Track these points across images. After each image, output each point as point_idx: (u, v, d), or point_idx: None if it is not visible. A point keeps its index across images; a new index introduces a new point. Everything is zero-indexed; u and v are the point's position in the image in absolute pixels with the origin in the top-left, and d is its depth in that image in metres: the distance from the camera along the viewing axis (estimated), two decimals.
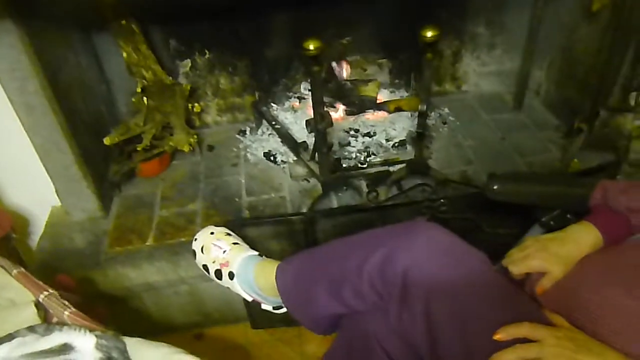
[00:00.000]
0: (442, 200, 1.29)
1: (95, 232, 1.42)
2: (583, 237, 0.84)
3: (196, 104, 1.68)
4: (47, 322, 0.92)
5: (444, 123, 1.74)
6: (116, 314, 1.34)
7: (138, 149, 1.52)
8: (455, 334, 0.72)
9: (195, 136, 1.58)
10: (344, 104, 1.66)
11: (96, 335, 0.83)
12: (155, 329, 1.45)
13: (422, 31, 1.14)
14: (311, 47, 1.10)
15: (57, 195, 1.41)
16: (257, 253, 1.12)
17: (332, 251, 0.92)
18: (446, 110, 1.80)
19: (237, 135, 1.75)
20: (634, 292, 0.71)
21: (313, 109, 1.23)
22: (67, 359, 0.79)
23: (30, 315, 0.91)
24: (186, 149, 1.55)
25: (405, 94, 1.79)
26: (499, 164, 1.53)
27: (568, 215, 0.99)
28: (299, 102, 1.76)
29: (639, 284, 0.73)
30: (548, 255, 0.81)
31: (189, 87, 1.61)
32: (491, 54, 1.81)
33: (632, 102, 1.38)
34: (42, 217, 1.50)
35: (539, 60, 1.74)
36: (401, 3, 1.61)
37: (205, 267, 1.16)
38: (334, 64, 1.67)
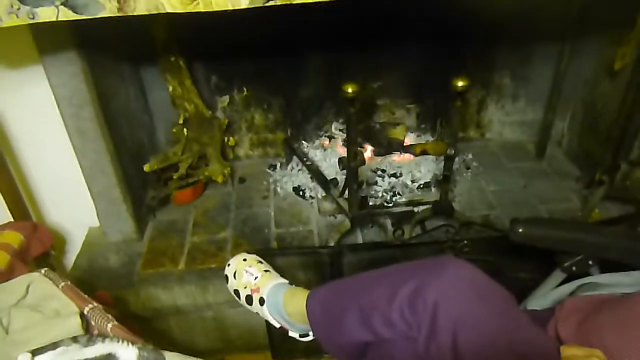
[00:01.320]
0: (465, 242, 1.33)
1: (129, 254, 1.48)
2: None
3: (231, 138, 1.77)
4: (89, 333, 0.98)
5: (468, 168, 1.80)
6: (143, 335, 1.39)
7: (174, 177, 1.59)
8: None
9: (229, 168, 1.66)
10: (372, 145, 1.73)
11: (138, 348, 0.88)
12: (179, 352, 1.49)
13: (453, 80, 1.22)
14: (349, 89, 1.18)
15: (97, 216, 1.49)
16: (287, 281, 1.17)
17: (362, 281, 0.96)
18: (470, 156, 1.86)
19: (268, 170, 1.83)
20: None
21: (347, 147, 1.30)
22: None
23: (74, 326, 0.96)
24: (220, 179, 1.63)
25: (431, 139, 1.86)
26: (520, 210, 1.57)
27: (590, 262, 1.03)
28: (329, 141, 1.84)
29: None
30: None
31: (226, 121, 1.70)
32: (515, 105, 1.89)
33: None
34: (79, 236, 1.58)
35: (561, 112, 1.80)
36: (431, 51, 1.70)
37: (236, 292, 1.20)
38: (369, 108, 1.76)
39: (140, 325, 1.40)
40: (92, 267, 1.45)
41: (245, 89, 1.74)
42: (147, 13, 0.87)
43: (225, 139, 1.74)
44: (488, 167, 1.81)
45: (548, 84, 1.76)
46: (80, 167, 1.38)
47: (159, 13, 0.87)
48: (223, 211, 1.63)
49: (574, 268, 1.03)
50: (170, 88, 1.57)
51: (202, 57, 1.63)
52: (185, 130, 1.61)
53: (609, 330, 0.82)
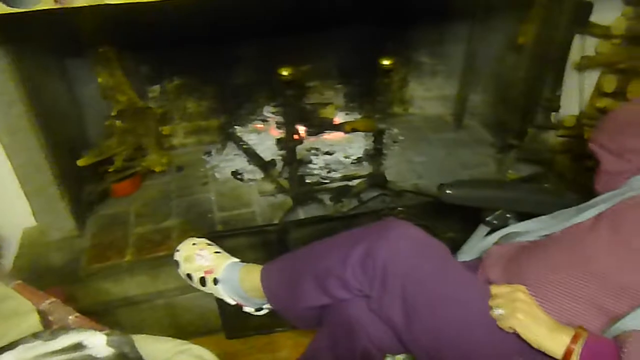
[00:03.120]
0: (399, 209, 1.45)
1: (72, 250, 1.46)
2: (561, 337, 0.82)
3: (164, 127, 1.77)
4: (49, 329, 0.98)
5: (395, 142, 1.93)
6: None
7: (110, 170, 1.58)
8: (428, 312, 0.87)
9: (167, 157, 1.67)
10: (305, 125, 1.80)
11: (106, 334, 0.90)
12: None
13: (380, 60, 1.31)
14: (285, 73, 1.24)
15: (33, 215, 1.45)
16: (239, 260, 1.22)
17: (314, 250, 1.04)
18: (396, 130, 1.99)
19: (204, 156, 1.85)
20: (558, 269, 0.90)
21: (285, 128, 1.36)
22: (83, 355, 0.85)
23: (34, 323, 0.97)
24: (158, 169, 1.64)
25: (359, 116, 1.97)
26: (446, 177, 1.71)
27: (508, 215, 1.17)
28: (263, 124, 1.89)
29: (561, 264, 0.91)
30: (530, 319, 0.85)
31: (160, 111, 1.70)
32: (434, 81, 2.03)
33: (554, 121, 1.61)
34: (14, 238, 1.53)
35: (475, 85, 1.97)
36: (355, 34, 1.79)
37: (189, 275, 1.23)
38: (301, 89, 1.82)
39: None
40: (34, 267, 1.42)
41: (175, 78, 1.74)
42: (86, 4, 0.87)
43: (160, 128, 1.74)
44: (413, 140, 1.95)
45: (462, 60, 1.91)
46: (12, 166, 1.35)
47: (99, 4, 0.88)
48: (165, 200, 1.64)
49: (495, 221, 1.17)
50: (101, 80, 1.55)
51: (131, 47, 1.61)
52: (118, 122, 1.60)
53: (527, 269, 0.96)
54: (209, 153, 1.87)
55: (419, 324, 0.88)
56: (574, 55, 1.64)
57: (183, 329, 1.54)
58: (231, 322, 1.48)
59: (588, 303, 0.87)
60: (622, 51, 1.61)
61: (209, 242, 1.30)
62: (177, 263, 1.26)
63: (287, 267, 1.08)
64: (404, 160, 1.83)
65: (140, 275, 1.39)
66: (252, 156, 1.73)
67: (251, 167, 1.76)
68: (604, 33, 1.61)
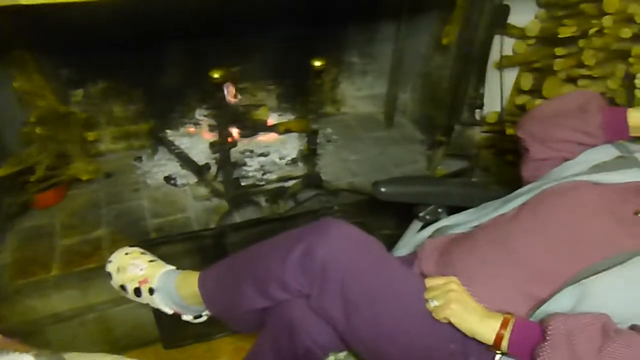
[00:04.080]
0: (335, 208, 1.47)
1: None
2: (491, 323, 0.87)
3: (89, 133, 1.69)
4: None
5: (329, 141, 1.95)
6: None
7: (31, 180, 1.49)
8: (366, 308, 0.89)
9: (93, 164, 1.60)
10: (238, 128, 1.78)
11: (33, 355, 0.85)
12: None
13: (311, 61, 1.32)
14: (216, 75, 1.23)
15: None
16: (174, 268, 1.19)
17: (252, 253, 1.04)
18: (329, 130, 2.01)
19: (134, 162, 1.79)
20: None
21: (218, 130, 1.34)
22: None
23: None
24: (85, 177, 1.56)
25: (292, 117, 1.97)
26: (379, 175, 1.76)
27: (439, 209, 1.22)
28: (195, 127, 1.85)
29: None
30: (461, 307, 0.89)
31: (84, 116, 1.62)
32: (364, 80, 2.07)
33: (478, 118, 1.70)
34: None
35: (403, 84, 2.03)
36: (286, 36, 1.79)
37: (123, 287, 1.19)
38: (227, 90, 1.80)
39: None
40: None
41: (101, 81, 1.67)
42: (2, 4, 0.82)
43: (85, 134, 1.66)
44: (347, 139, 1.98)
45: (390, 60, 1.96)
46: None
47: (11, 5, 0.83)
48: (93, 209, 1.57)
49: (427, 216, 1.21)
50: (17, 84, 1.46)
51: (51, 49, 1.52)
52: (38, 128, 1.51)
53: (458, 260, 1.00)
54: (139, 158, 1.80)
55: (358, 319, 0.90)
56: (495, 55, 1.73)
57: (118, 343, 1.48)
58: (168, 331, 1.44)
59: (515, 289, 0.93)
60: (537, 51, 1.71)
61: (142, 250, 1.26)
62: (109, 275, 1.21)
63: (225, 272, 1.07)
64: (339, 159, 1.85)
65: (69, 289, 1.33)
66: (185, 160, 1.69)
67: (184, 171, 1.72)
68: (520, 34, 1.71)
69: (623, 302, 0.83)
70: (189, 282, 1.11)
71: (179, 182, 1.68)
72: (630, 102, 1.34)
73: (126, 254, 1.23)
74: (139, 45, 1.62)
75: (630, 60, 1.41)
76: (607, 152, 1.09)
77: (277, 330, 1.00)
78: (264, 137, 1.85)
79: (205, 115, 1.82)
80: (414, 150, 1.92)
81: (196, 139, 1.83)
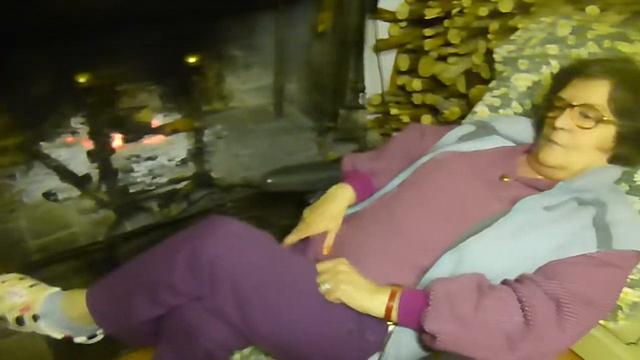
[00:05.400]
0: (229, 204, 1.45)
1: None
2: (339, 194, 1.11)
3: None
4: None
5: (219, 138, 1.92)
6: None
7: None
8: (260, 300, 0.89)
9: None
10: (121, 133, 1.70)
11: None
12: None
13: (185, 58, 1.28)
14: (82, 80, 1.15)
15: None
16: (59, 289, 1.12)
17: (139, 263, 1.00)
18: (219, 126, 1.97)
19: (7, 181, 1.64)
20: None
21: (93, 139, 1.27)
22: None
23: None
24: None
25: (178, 116, 1.91)
26: (273, 166, 1.74)
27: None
28: (73, 137, 1.73)
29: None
30: (317, 217, 1.06)
31: None
32: (249, 73, 2.05)
33: (362, 101, 1.75)
34: None
35: (288, 74, 2.04)
36: (163, 33, 1.72)
37: (2, 318, 1.10)
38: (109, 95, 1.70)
39: None
40: None
41: None
42: None
43: None
44: (238, 133, 1.96)
45: (273, 50, 1.96)
46: None
47: None
48: None
49: None
50: None
51: None
52: None
53: (347, 241, 1.04)
54: (12, 176, 1.66)
55: (254, 315, 0.90)
56: (372, 39, 1.79)
57: None
58: (65, 356, 1.35)
59: (402, 262, 0.97)
60: (409, 33, 1.80)
61: (21, 276, 1.16)
62: None
63: (113, 285, 1.02)
64: (230, 154, 1.83)
65: None
66: (65, 173, 1.58)
67: (65, 184, 1.61)
68: (392, 17, 1.79)
69: (494, 260, 0.91)
70: (76, 301, 1.04)
71: (60, 196, 1.57)
72: (493, 75, 1.45)
73: (2, 282, 1.13)
74: None
75: (489, 36, 1.53)
76: (469, 127, 1.18)
77: (176, 337, 0.98)
78: (150, 140, 1.78)
79: (82, 123, 1.71)
80: (305, 138, 1.95)
81: (76, 149, 1.71)
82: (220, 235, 0.91)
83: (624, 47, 1.15)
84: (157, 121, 1.81)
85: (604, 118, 0.94)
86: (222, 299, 0.90)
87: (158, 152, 1.75)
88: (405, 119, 1.88)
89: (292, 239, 1.09)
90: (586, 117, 0.96)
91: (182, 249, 0.91)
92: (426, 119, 1.80)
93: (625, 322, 1.08)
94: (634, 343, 1.43)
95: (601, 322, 1.07)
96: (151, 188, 1.58)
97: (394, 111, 1.91)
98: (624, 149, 0.98)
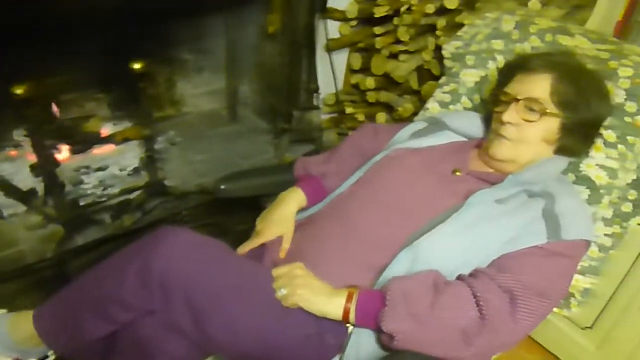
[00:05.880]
0: (184, 212, 1.42)
1: None
2: (289, 198, 1.11)
3: None
4: None
5: (173, 144, 1.87)
6: None
7: None
8: (215, 309, 0.87)
9: None
10: (68, 144, 1.64)
11: None
12: None
13: (130, 64, 1.24)
14: (19, 91, 1.10)
15: None
16: (4, 311, 1.07)
17: (88, 279, 0.96)
18: (172, 132, 1.93)
19: None
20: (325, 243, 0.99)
21: (37, 152, 1.22)
22: None
23: None
24: None
25: (129, 124, 1.85)
26: (229, 171, 1.72)
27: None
28: (16, 150, 1.65)
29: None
30: (267, 224, 1.06)
31: None
32: (201, 77, 2.01)
33: (315, 101, 1.74)
34: None
35: (241, 76, 2.01)
36: (107, 39, 1.66)
37: None
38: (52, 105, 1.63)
39: None
40: None
41: None
42: None
43: None
44: (192, 139, 1.91)
45: (224, 53, 1.93)
46: None
47: None
48: None
49: None
50: None
51: None
52: None
53: (304, 245, 1.03)
54: None
55: (211, 326, 0.88)
56: (322, 39, 1.78)
57: None
58: None
59: (358, 262, 0.97)
60: (359, 32, 1.80)
61: None
62: None
63: (61, 304, 0.98)
64: (185, 161, 1.79)
65: None
66: (9, 188, 1.51)
67: (10, 200, 1.53)
68: (342, 17, 1.78)
69: (449, 256, 0.91)
70: (23, 323, 0.99)
71: (4, 213, 1.50)
72: (443, 72, 1.46)
73: None
74: None
75: (438, 33, 1.54)
76: (421, 124, 1.19)
77: (130, 355, 0.95)
78: (100, 150, 1.72)
79: (25, 135, 1.64)
80: (261, 140, 1.93)
81: (20, 163, 1.63)
82: (170, 246, 0.88)
83: (565, 40, 1.18)
84: (106, 130, 1.75)
85: (548, 111, 0.97)
86: (176, 312, 0.87)
87: (109, 162, 1.69)
88: (361, 117, 1.88)
89: (245, 248, 1.07)
90: (531, 110, 0.98)
91: (131, 261, 0.88)
92: (381, 116, 1.81)
93: (579, 309, 1.11)
94: (589, 327, 1.48)
95: (555, 309, 1.10)
96: (102, 199, 1.52)
97: (349, 110, 1.91)
98: (568, 140, 1.00)
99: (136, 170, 1.67)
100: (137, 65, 1.25)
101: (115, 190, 1.59)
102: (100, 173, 1.65)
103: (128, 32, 1.65)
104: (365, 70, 1.85)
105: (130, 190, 1.54)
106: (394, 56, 1.72)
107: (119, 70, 1.68)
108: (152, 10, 1.65)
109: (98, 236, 1.43)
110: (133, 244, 0.95)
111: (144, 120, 1.44)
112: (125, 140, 1.70)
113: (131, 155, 1.74)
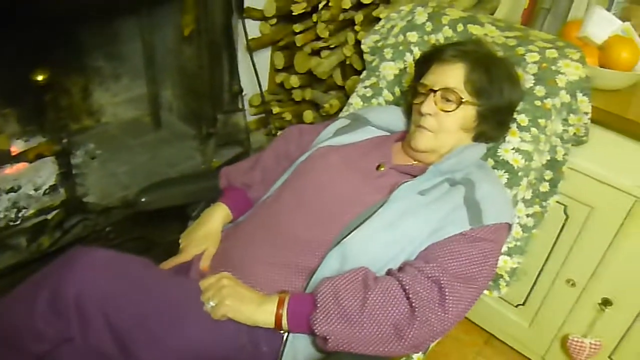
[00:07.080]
0: (108, 229, 1.34)
1: None
2: (213, 214, 1.08)
3: None
4: None
5: (93, 158, 1.77)
6: None
7: None
8: (140, 329, 0.82)
9: None
10: None
11: None
12: None
13: (32, 76, 1.16)
14: None
15: None
16: None
17: None
18: (91, 145, 1.82)
19: None
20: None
21: None
22: None
23: None
24: None
25: (42, 139, 1.73)
26: (154, 180, 1.65)
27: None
28: None
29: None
30: (191, 241, 1.02)
31: None
32: (119, 84, 1.91)
33: (240, 103, 1.70)
34: None
35: (162, 81, 1.93)
36: (9, 49, 1.54)
37: None
38: None
39: None
40: None
41: None
42: None
43: None
44: (113, 150, 1.82)
45: (141, 58, 1.84)
46: None
47: None
48: None
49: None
50: None
51: None
52: None
53: (231, 253, 1.00)
54: None
55: (135, 345, 0.83)
56: (242, 39, 1.74)
57: None
58: None
59: (289, 267, 0.95)
60: (280, 30, 1.78)
61: None
62: None
63: None
64: (107, 174, 1.70)
65: None
66: None
67: None
68: (260, 16, 1.75)
69: (376, 251, 0.91)
70: None
71: None
72: (365, 66, 1.46)
73: None
74: None
75: (356, 28, 1.55)
76: (344, 121, 1.19)
77: None
78: (11, 169, 1.60)
79: None
80: (187, 147, 1.86)
81: None
82: (83, 267, 0.83)
83: (476, 30, 1.21)
84: (16, 147, 1.63)
85: (463, 100, 0.98)
86: (96, 336, 0.82)
87: (21, 182, 1.58)
88: (288, 116, 1.87)
89: (168, 264, 1.02)
90: (448, 100, 0.99)
91: (42, 287, 0.82)
92: (308, 114, 1.80)
93: (508, 289, 1.15)
94: (522, 304, 1.54)
95: (486, 292, 1.13)
96: (16, 222, 1.42)
97: (275, 110, 1.89)
98: (484, 126, 1.03)
99: (53, 188, 1.57)
100: (41, 77, 1.16)
101: (30, 211, 1.48)
102: (12, 194, 1.53)
103: (32, 39, 1.54)
104: (289, 68, 1.83)
105: (46, 210, 1.44)
106: (316, 53, 1.71)
107: (24, 82, 1.57)
108: (56, 14, 1.55)
109: (13, 262, 1.32)
110: (44, 268, 0.88)
111: (59, 134, 1.35)
112: (39, 156, 1.59)
113: (46, 172, 1.62)
